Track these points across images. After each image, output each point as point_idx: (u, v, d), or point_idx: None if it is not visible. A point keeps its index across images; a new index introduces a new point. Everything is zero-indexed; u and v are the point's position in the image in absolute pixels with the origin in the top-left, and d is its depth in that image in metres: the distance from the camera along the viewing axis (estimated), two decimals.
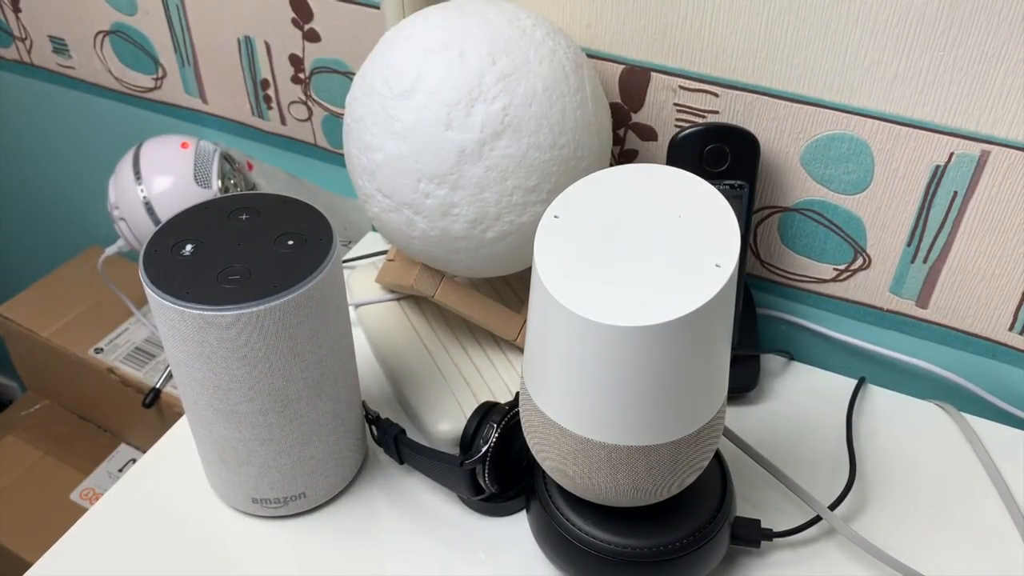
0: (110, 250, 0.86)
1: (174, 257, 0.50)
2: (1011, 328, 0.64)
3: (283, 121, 0.85)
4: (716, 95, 0.63)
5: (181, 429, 0.64)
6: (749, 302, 0.70)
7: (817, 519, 0.56)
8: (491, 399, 0.61)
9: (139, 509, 0.59)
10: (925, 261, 0.64)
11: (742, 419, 0.66)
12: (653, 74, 0.64)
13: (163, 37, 0.86)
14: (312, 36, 0.77)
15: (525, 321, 0.65)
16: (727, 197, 0.58)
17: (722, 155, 0.62)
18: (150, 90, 0.92)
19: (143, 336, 1.02)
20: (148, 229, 0.82)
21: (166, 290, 0.47)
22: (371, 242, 0.81)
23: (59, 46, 0.94)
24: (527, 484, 0.56)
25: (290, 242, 0.51)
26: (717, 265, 0.42)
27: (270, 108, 0.85)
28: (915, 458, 0.63)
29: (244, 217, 0.53)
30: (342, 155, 0.80)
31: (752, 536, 0.54)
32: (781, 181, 0.65)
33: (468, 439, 0.55)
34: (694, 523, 0.51)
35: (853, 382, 0.69)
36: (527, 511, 0.56)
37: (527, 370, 0.47)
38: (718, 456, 0.55)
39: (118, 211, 0.83)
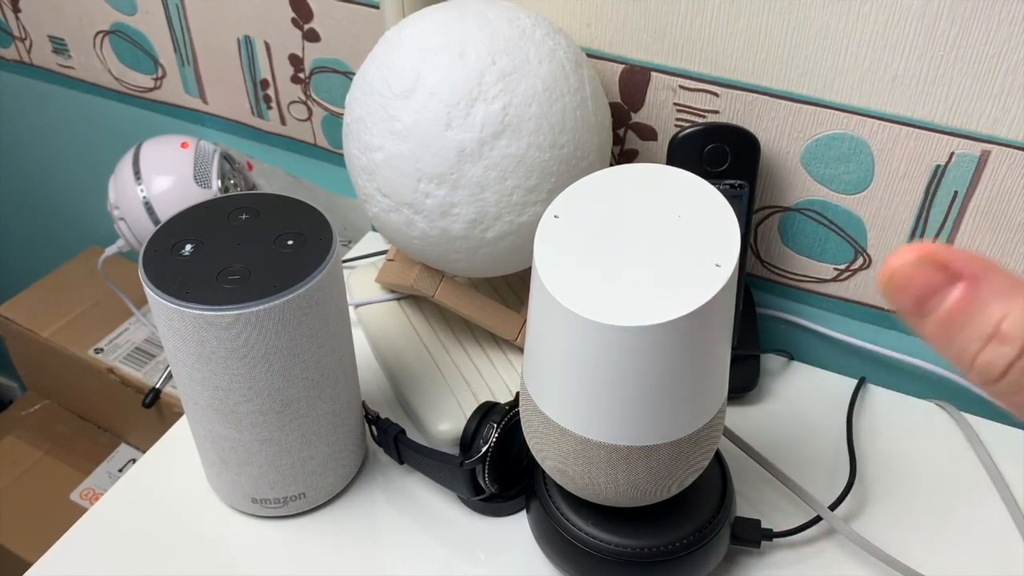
0: (110, 250, 0.86)
1: (174, 257, 0.50)
2: None
3: (283, 121, 0.85)
4: (716, 95, 0.63)
5: (181, 429, 0.64)
6: (749, 302, 0.70)
7: (817, 519, 0.56)
8: (491, 399, 0.61)
9: (139, 509, 0.59)
10: None
11: (742, 419, 0.66)
12: (653, 74, 0.64)
13: (163, 37, 0.86)
14: (312, 36, 0.77)
15: (525, 321, 0.65)
16: (727, 197, 0.58)
17: (722, 155, 0.62)
18: (150, 90, 0.92)
19: (143, 336, 1.02)
20: (148, 229, 0.82)
21: (166, 290, 0.47)
22: (371, 242, 0.81)
23: (59, 46, 0.94)
24: (527, 484, 0.56)
25: (290, 242, 0.51)
26: (717, 265, 0.42)
27: (270, 108, 0.85)
28: (915, 458, 0.63)
29: (244, 217, 0.53)
30: (342, 155, 0.80)
31: (752, 536, 0.54)
32: (781, 181, 0.65)
33: (468, 439, 0.55)
34: (694, 523, 0.51)
35: (853, 382, 0.69)
36: (527, 511, 0.56)
37: (527, 370, 0.47)
38: (718, 456, 0.55)
39: (118, 211, 0.83)
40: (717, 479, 0.53)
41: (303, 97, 0.82)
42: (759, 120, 0.63)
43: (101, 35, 0.90)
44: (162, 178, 0.82)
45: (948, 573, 0.56)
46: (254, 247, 0.51)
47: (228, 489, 0.57)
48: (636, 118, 0.67)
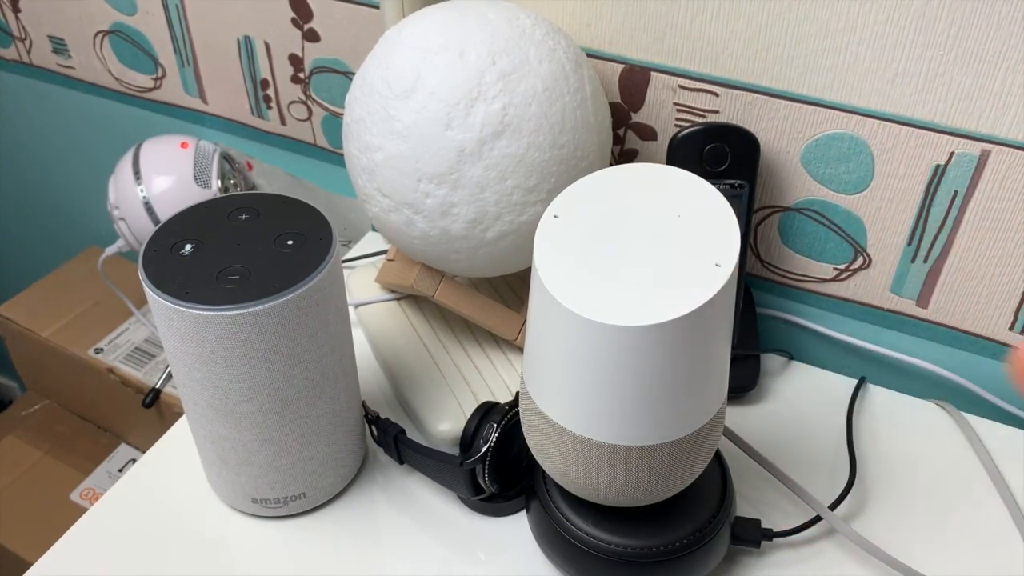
0: (110, 250, 0.86)
1: (174, 257, 0.50)
2: (1011, 328, 0.64)
3: (283, 121, 0.85)
4: (716, 95, 0.63)
5: (181, 429, 0.64)
6: (749, 302, 0.70)
7: (817, 519, 0.56)
8: (491, 399, 0.61)
9: (139, 509, 0.59)
10: (925, 261, 0.64)
11: (742, 419, 0.66)
12: (653, 74, 0.64)
13: (163, 37, 0.86)
14: (312, 36, 0.77)
15: (525, 321, 0.65)
16: (727, 197, 0.58)
17: (722, 155, 0.62)
18: (150, 90, 0.92)
19: (143, 336, 1.02)
20: (148, 229, 0.82)
21: (166, 290, 0.47)
22: (371, 242, 0.81)
23: (59, 46, 0.94)
24: (527, 484, 0.56)
25: (290, 242, 0.51)
26: (717, 265, 0.42)
27: (270, 108, 0.85)
28: (915, 458, 0.63)
29: (244, 217, 0.53)
30: (342, 155, 0.80)
31: (752, 536, 0.54)
32: (781, 181, 0.65)
33: (468, 439, 0.55)
34: (694, 523, 0.51)
35: (853, 382, 0.69)
36: (527, 511, 0.56)
37: (527, 370, 0.47)
38: (718, 456, 0.55)
39: (118, 211, 0.83)
40: (717, 479, 0.53)
41: (303, 97, 0.82)
42: (759, 120, 0.63)
43: (101, 35, 0.90)
44: (162, 178, 0.82)
45: (948, 573, 0.56)
46: (254, 247, 0.51)
47: (228, 489, 0.57)
48: (636, 118, 0.67)
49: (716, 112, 0.64)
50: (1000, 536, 0.58)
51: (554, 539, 0.52)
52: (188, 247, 0.50)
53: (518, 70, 0.54)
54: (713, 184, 0.46)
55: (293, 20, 0.77)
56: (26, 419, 1.11)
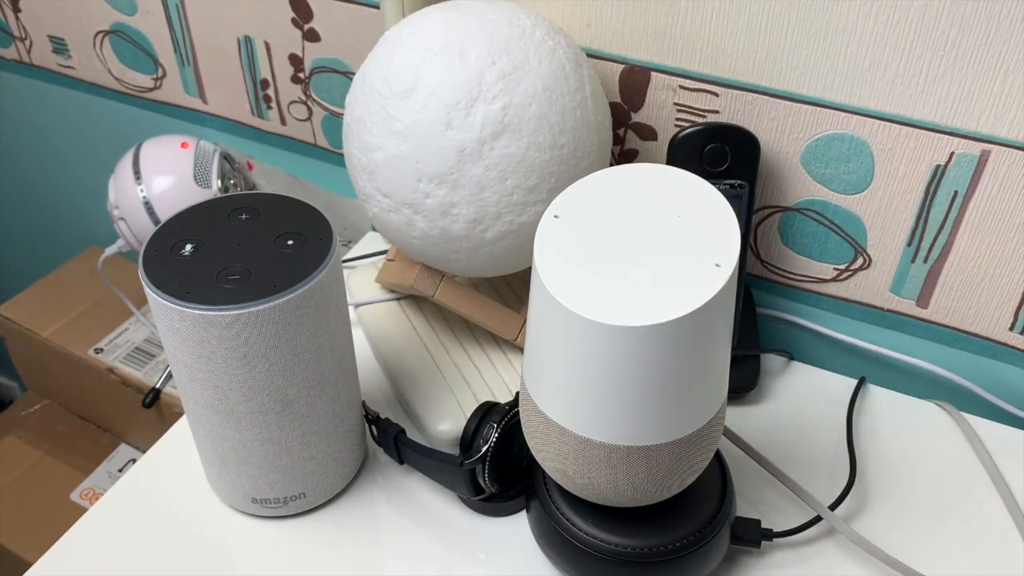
0: (110, 250, 0.86)
1: (174, 257, 0.50)
2: (1011, 328, 0.64)
3: (283, 121, 0.85)
4: (716, 95, 0.63)
5: (181, 429, 0.64)
6: (749, 302, 0.70)
7: (817, 519, 0.56)
8: (491, 399, 0.61)
9: (139, 509, 0.59)
10: (925, 261, 0.64)
11: (742, 419, 0.66)
12: (653, 74, 0.64)
13: (163, 37, 0.86)
14: (312, 36, 0.77)
15: (525, 321, 0.65)
16: (727, 197, 0.58)
17: (722, 155, 0.62)
18: (150, 90, 0.92)
19: (143, 336, 1.02)
20: (148, 229, 0.82)
21: (166, 290, 0.47)
22: (371, 242, 0.81)
23: (59, 46, 0.94)
24: (527, 484, 0.56)
25: (290, 242, 0.51)
26: (717, 265, 0.42)
27: (270, 108, 0.85)
28: (915, 458, 0.63)
29: (244, 217, 0.53)
30: (342, 155, 0.80)
31: (752, 536, 0.54)
32: (781, 181, 0.65)
33: (468, 439, 0.55)
34: (694, 523, 0.51)
35: (853, 382, 0.69)
36: (527, 511, 0.56)
37: (527, 370, 0.47)
38: (718, 456, 0.55)
39: (118, 211, 0.83)
40: (717, 479, 0.53)
41: (303, 97, 0.82)
42: (759, 120, 0.63)
43: (101, 35, 0.90)
44: (162, 178, 0.82)
45: (948, 573, 0.56)
46: (254, 247, 0.51)
47: (228, 489, 0.57)
48: (636, 118, 0.67)
49: (716, 112, 0.64)
50: (1000, 536, 0.58)
51: (554, 539, 0.52)
52: (188, 247, 0.50)
53: (518, 70, 0.54)
54: (713, 184, 0.46)
55: (293, 20, 0.77)
56: (26, 419, 1.11)
